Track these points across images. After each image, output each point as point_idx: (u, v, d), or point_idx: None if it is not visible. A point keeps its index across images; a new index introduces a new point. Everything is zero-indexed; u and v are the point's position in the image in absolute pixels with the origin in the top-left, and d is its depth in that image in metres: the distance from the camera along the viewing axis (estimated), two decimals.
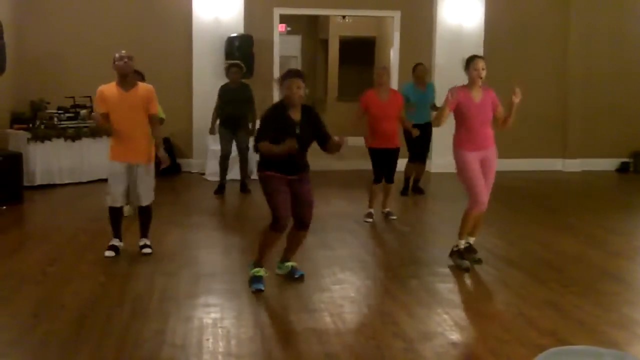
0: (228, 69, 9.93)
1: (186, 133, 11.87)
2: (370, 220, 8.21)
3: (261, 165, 5.66)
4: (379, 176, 8.27)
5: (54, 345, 4.49)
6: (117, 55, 6.38)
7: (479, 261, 6.44)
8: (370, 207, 8.36)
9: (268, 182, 5.58)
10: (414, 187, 10.21)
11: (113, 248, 6.63)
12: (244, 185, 10.10)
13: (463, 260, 6.42)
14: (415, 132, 8.79)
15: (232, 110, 9.68)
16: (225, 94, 9.78)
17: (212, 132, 10.04)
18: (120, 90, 6.39)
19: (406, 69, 12.14)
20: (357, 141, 8.91)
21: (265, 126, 5.53)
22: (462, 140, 6.34)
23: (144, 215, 6.74)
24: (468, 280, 6.16)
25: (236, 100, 9.70)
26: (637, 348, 4.66)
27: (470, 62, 6.33)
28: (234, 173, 10.44)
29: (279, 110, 5.58)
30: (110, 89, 6.42)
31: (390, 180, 8.37)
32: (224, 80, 10.06)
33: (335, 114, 16.25)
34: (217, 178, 10.77)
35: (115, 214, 6.67)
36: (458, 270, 6.32)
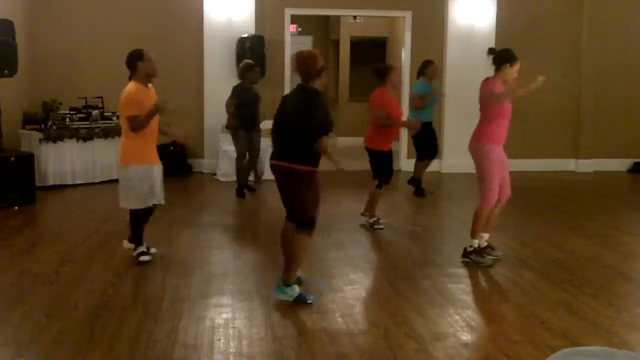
0: (250, 69, 9.78)
1: (197, 133, 11.88)
2: (382, 226, 8.06)
3: (310, 160, 5.26)
4: (387, 180, 8.06)
5: (67, 345, 4.51)
6: (150, 55, 6.24)
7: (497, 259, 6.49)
8: (373, 214, 8.06)
9: (314, 179, 5.29)
10: (418, 188, 10.16)
11: (147, 253, 6.45)
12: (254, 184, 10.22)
13: (484, 257, 6.43)
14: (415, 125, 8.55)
15: (249, 111, 9.68)
16: (243, 95, 9.73)
17: (234, 126, 9.86)
18: (147, 92, 6.25)
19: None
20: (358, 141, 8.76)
21: (329, 115, 5.37)
22: (495, 135, 6.31)
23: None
24: (480, 281, 6.14)
25: (252, 101, 9.75)
26: None
27: (513, 62, 6.29)
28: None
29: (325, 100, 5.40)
30: (141, 91, 6.19)
31: (389, 182, 8.17)
32: (235, 81, 10.04)
33: (347, 114, 16.30)
34: (228, 178, 10.78)
35: (145, 215, 6.45)
36: (470, 271, 6.31)
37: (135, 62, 6.21)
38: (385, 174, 8.00)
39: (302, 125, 5.24)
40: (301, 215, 5.31)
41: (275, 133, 5.45)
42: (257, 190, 10.17)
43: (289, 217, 5.40)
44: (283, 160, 5.28)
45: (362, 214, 8.12)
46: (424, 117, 9.68)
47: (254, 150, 9.95)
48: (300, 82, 5.40)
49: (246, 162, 9.94)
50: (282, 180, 5.36)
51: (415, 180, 10.11)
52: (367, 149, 7.98)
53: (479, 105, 6.44)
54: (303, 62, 5.33)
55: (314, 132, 5.23)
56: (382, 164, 7.96)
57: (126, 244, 6.55)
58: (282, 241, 5.52)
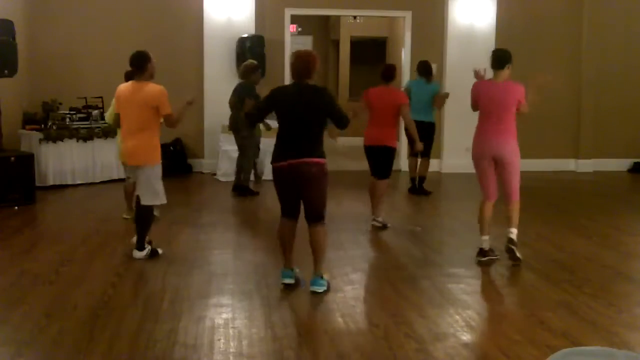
0: (255, 71, 9.86)
1: (197, 133, 11.89)
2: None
3: (324, 155, 5.61)
4: None
5: (67, 345, 4.51)
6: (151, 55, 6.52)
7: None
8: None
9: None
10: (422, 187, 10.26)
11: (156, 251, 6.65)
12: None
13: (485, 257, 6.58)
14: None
15: None
16: (256, 94, 9.77)
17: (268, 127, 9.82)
18: None
19: None
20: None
21: None
22: None
23: None
24: (480, 281, 6.14)
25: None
26: None
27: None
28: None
29: None
30: None
31: None
32: (235, 80, 10.07)
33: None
34: (228, 178, 10.79)
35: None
36: (470, 271, 6.31)
37: (146, 63, 6.37)
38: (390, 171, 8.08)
39: (323, 120, 5.60)
40: (324, 208, 5.65)
41: (293, 131, 5.54)
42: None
43: (318, 219, 5.60)
44: (315, 157, 5.48)
45: (375, 218, 8.02)
46: (433, 117, 10.05)
47: (257, 150, 10.04)
48: (297, 80, 5.59)
49: (247, 163, 9.94)
50: (309, 178, 5.49)
51: (423, 180, 10.18)
52: (385, 147, 7.85)
53: (500, 108, 6.41)
54: (305, 61, 5.55)
55: (341, 124, 5.68)
56: (392, 161, 8.01)
57: (138, 254, 6.52)
58: (282, 241, 5.74)
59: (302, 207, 5.65)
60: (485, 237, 6.51)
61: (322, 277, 5.65)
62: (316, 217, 5.60)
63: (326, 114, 5.59)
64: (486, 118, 6.48)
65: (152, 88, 6.33)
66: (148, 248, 6.54)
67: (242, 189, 9.89)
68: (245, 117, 6.34)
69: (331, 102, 5.64)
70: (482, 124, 6.52)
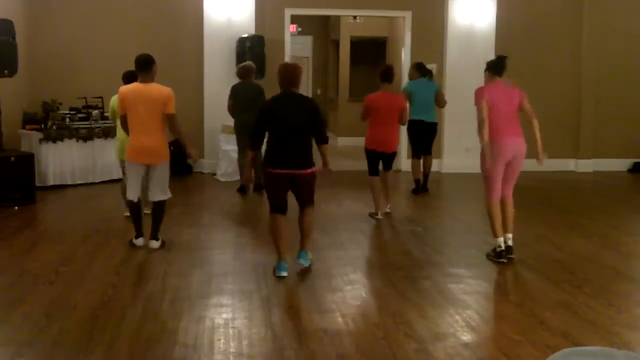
0: (255, 71, 10.14)
1: (197, 133, 11.87)
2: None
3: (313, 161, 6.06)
4: None
5: (67, 345, 4.51)
6: None
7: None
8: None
9: None
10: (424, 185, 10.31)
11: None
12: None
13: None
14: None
15: None
16: None
17: None
18: None
19: None
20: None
21: None
22: None
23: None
24: (480, 281, 6.13)
25: None
26: None
27: None
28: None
29: None
30: None
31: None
32: (235, 80, 10.11)
33: (346, 114, 16.29)
34: (228, 178, 10.82)
35: None
36: (471, 271, 6.31)
37: (152, 65, 6.67)
38: None
39: (315, 129, 5.99)
40: (314, 194, 6.16)
41: (288, 138, 5.92)
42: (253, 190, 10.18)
43: (309, 203, 6.12)
44: (309, 168, 5.99)
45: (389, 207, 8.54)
46: (436, 117, 10.12)
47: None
48: (286, 88, 6.01)
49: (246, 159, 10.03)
50: (305, 183, 6.02)
51: (427, 177, 10.23)
52: (394, 153, 8.44)
53: (514, 107, 6.55)
54: (293, 72, 6.05)
55: (322, 137, 6.09)
56: None
57: (155, 244, 6.89)
58: (276, 235, 6.12)
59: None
60: (502, 238, 6.52)
61: (306, 253, 6.19)
62: (308, 202, 6.13)
63: (312, 119, 5.93)
64: (503, 118, 6.44)
65: (163, 88, 6.67)
66: (161, 239, 6.91)
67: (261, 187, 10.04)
68: (250, 141, 6.28)
69: (318, 110, 6.06)
70: (499, 124, 6.42)
